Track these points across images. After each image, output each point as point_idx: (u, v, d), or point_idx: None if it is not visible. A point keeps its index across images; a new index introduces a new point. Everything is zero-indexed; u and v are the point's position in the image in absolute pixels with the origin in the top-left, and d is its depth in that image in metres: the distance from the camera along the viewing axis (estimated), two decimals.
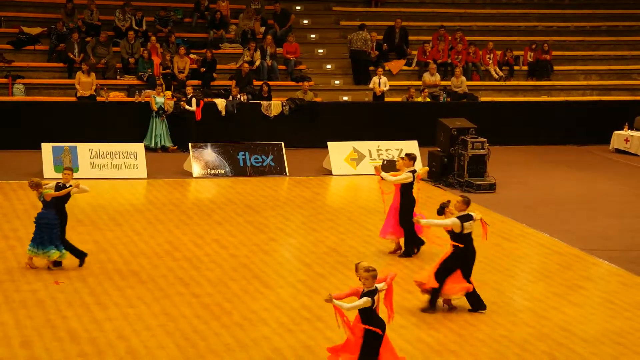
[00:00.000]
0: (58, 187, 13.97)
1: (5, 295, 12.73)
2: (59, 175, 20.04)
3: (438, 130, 21.29)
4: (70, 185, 14.02)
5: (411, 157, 15.03)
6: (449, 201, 12.90)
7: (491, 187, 20.29)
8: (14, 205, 17.57)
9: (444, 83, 26.35)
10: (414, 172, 14.89)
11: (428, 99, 25.57)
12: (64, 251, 13.88)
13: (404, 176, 14.80)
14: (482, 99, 26.49)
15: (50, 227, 13.74)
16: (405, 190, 14.86)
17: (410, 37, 27.60)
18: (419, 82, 26.29)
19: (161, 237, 15.89)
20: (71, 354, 10.87)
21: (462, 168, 20.48)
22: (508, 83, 27.51)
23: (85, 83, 23.56)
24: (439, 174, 20.86)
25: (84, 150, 20.61)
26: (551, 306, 13.11)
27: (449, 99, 25.89)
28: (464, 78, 26.34)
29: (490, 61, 27.54)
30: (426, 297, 12.67)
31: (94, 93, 23.63)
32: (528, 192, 20.50)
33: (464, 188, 20.20)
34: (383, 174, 14.90)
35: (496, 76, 27.46)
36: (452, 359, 11.20)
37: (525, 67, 28.00)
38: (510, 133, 25.21)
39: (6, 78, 23.89)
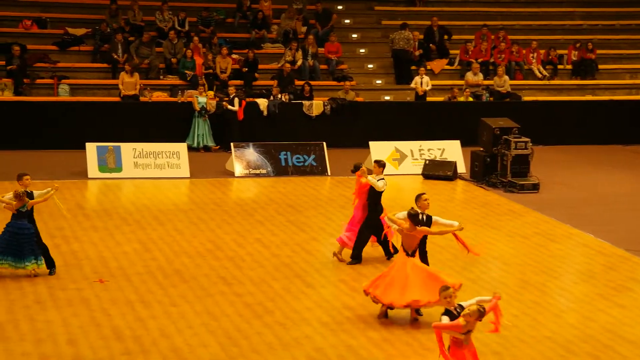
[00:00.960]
0: (18, 196, 13.25)
1: (51, 293, 12.88)
2: (104, 175, 20.37)
3: (480, 129, 21.16)
4: (26, 190, 13.32)
5: (380, 164, 14.46)
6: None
7: (534, 187, 20.12)
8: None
9: (486, 82, 26.18)
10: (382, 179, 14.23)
11: (470, 99, 25.43)
12: (41, 260, 13.40)
13: (382, 183, 14.10)
14: (525, 98, 26.27)
15: (30, 237, 13.28)
16: (374, 199, 14.22)
17: (453, 36, 27.46)
18: (462, 82, 26.16)
19: (203, 237, 15.98)
20: (115, 352, 10.96)
21: (505, 168, 20.33)
22: (552, 82, 27.26)
23: (128, 83, 23.76)
24: (481, 174, 20.73)
25: (128, 149, 20.78)
26: (596, 307, 12.96)
27: (491, 99, 25.72)
28: (507, 77, 26.14)
29: (534, 60, 27.31)
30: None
31: (137, 93, 23.83)
32: (572, 192, 20.29)
33: (507, 188, 20.06)
34: (369, 177, 14.15)
35: (540, 75, 27.22)
36: None
37: (570, 66, 27.72)
38: (554, 133, 24.97)
39: (52, 79, 24.18)
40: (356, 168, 14.56)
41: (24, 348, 10.96)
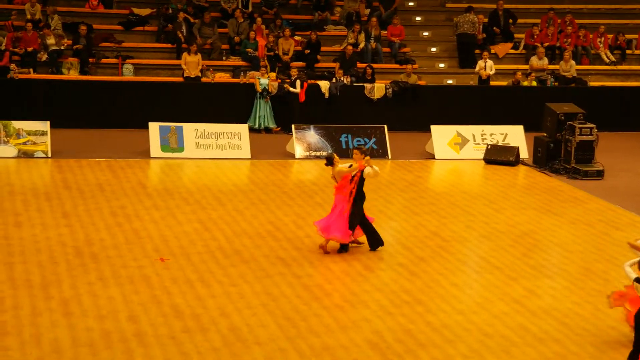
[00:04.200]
0: None
1: (113, 270, 13.05)
2: (166, 154, 20.56)
3: (545, 115, 20.86)
4: None
5: (362, 152, 14.56)
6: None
7: (599, 174, 19.79)
8: (121, 183, 17.99)
9: (551, 67, 25.79)
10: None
11: (534, 83, 25.08)
12: None
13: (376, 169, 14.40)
14: (592, 83, 25.82)
15: None
16: (360, 185, 14.32)
17: (518, 20, 27.07)
18: (526, 66, 25.80)
19: (263, 218, 16.03)
20: (175, 329, 11.07)
21: (569, 154, 20.02)
22: (619, 67, 26.74)
23: (191, 63, 23.90)
24: (544, 160, 20.45)
25: (190, 130, 20.93)
26: None
27: (556, 84, 25.33)
28: (573, 62, 25.71)
29: (601, 45, 26.80)
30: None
31: (200, 74, 23.97)
32: (637, 179, 19.91)
33: (571, 174, 19.76)
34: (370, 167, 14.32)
35: (607, 60, 26.72)
36: (555, 348, 10.98)
37: (638, 51, 27.16)
38: (620, 119, 24.51)
39: (116, 58, 24.46)
40: (329, 160, 14.44)
41: (87, 323, 11.13)
